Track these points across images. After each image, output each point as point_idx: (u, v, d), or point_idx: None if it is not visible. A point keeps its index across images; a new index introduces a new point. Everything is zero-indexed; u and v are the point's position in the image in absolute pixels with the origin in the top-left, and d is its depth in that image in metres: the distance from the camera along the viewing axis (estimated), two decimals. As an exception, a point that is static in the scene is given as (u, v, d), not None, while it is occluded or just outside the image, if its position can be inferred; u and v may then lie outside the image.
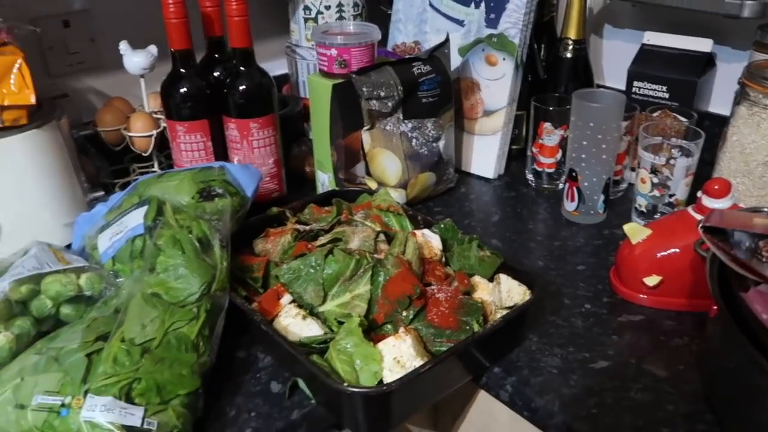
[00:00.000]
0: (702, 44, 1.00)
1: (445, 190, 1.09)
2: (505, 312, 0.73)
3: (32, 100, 0.78)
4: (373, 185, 1.01)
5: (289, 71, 1.24)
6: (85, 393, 0.58)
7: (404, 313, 0.69)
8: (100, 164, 1.06)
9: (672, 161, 0.89)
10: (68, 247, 0.85)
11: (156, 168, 1.07)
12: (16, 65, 0.77)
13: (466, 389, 0.77)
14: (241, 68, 0.92)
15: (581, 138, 0.93)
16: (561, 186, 1.07)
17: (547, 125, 1.03)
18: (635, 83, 1.03)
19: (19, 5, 0.94)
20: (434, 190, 1.07)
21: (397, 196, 0.99)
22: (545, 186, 1.09)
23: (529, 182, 1.11)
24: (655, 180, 0.91)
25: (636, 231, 0.81)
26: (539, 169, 1.08)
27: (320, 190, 1.07)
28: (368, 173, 1.01)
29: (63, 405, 0.58)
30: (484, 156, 1.13)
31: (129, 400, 0.59)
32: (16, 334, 0.69)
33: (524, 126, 1.16)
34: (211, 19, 0.95)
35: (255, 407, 0.67)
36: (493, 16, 1.06)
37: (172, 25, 0.87)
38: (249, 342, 0.76)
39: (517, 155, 1.17)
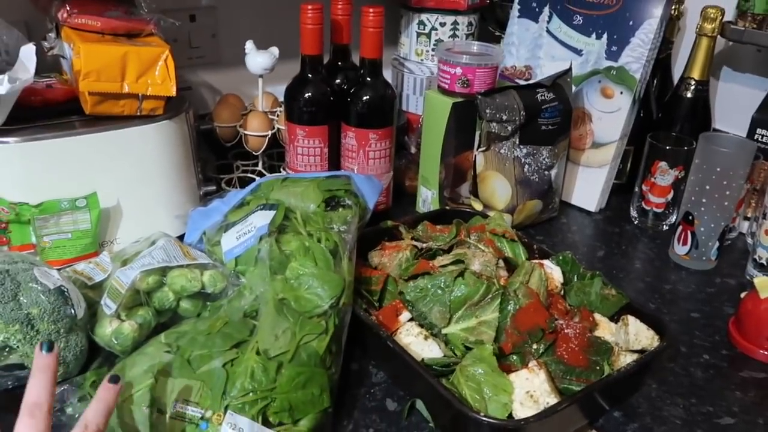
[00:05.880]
0: (835, 96, 0.97)
1: (547, 219, 1.07)
2: (629, 355, 0.71)
3: (173, 92, 0.79)
4: (478, 207, 0.99)
5: (394, 83, 1.24)
6: (225, 408, 0.57)
7: (534, 346, 0.67)
8: (207, 158, 1.07)
9: (801, 215, 0.86)
10: (179, 238, 0.86)
11: (260, 167, 1.08)
12: (163, 56, 0.78)
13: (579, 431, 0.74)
14: (368, 78, 0.92)
15: (704, 182, 0.90)
16: (666, 227, 1.05)
17: (662, 164, 1.01)
18: (759, 130, 1.00)
19: (152, -2, 0.95)
20: (537, 218, 1.05)
21: (503, 220, 0.98)
22: (650, 225, 1.06)
23: (633, 219, 1.08)
24: (781, 233, 0.88)
25: (767, 285, 0.78)
26: (647, 208, 1.05)
27: (421, 205, 1.07)
28: (475, 194, 1.00)
29: (203, 418, 0.57)
30: (588, 188, 1.11)
31: (264, 418, 0.58)
32: (139, 323, 0.70)
33: (629, 161, 1.14)
34: (341, 27, 0.96)
35: (372, 423, 0.66)
36: (615, 48, 1.04)
37: (307, 30, 0.88)
38: (361, 355, 0.75)
39: (616, 190, 1.15)
